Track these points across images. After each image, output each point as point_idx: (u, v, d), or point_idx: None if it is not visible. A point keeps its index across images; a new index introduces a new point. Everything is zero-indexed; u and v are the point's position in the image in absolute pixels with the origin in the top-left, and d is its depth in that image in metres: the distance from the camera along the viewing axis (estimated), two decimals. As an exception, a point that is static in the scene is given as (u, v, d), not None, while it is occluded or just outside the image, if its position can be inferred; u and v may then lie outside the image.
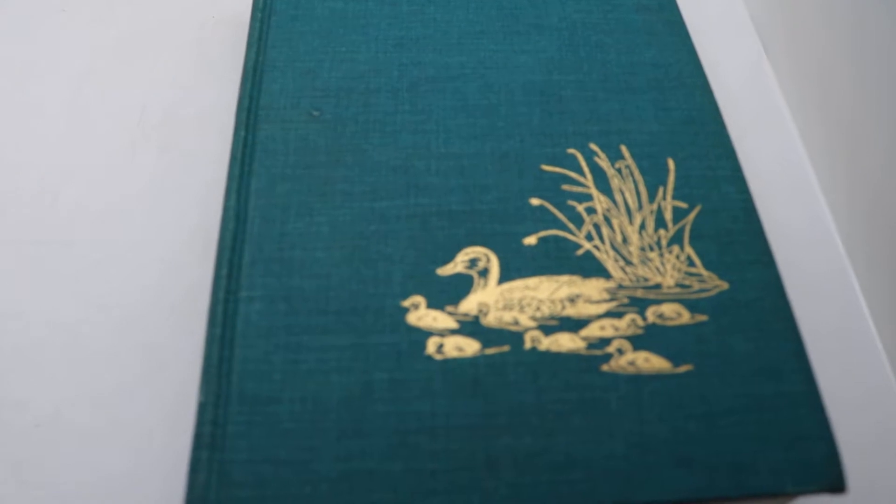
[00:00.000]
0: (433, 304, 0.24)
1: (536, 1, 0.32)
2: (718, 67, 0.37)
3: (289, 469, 0.21)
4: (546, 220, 0.26)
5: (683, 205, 0.26)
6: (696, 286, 0.25)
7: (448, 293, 0.24)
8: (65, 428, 0.27)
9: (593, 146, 0.28)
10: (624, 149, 0.28)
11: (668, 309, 0.24)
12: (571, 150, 0.28)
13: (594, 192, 0.27)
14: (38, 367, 0.28)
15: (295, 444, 0.21)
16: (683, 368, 0.23)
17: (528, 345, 0.23)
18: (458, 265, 0.25)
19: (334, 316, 0.24)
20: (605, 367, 0.23)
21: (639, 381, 0.23)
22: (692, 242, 0.26)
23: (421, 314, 0.24)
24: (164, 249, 0.31)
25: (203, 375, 0.23)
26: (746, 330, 0.24)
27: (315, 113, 0.28)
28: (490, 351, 0.23)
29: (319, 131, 0.28)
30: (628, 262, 0.25)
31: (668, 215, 0.26)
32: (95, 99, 0.36)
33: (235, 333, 0.23)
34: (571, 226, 0.26)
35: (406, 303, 0.24)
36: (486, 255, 0.25)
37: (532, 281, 0.24)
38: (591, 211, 0.26)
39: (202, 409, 0.22)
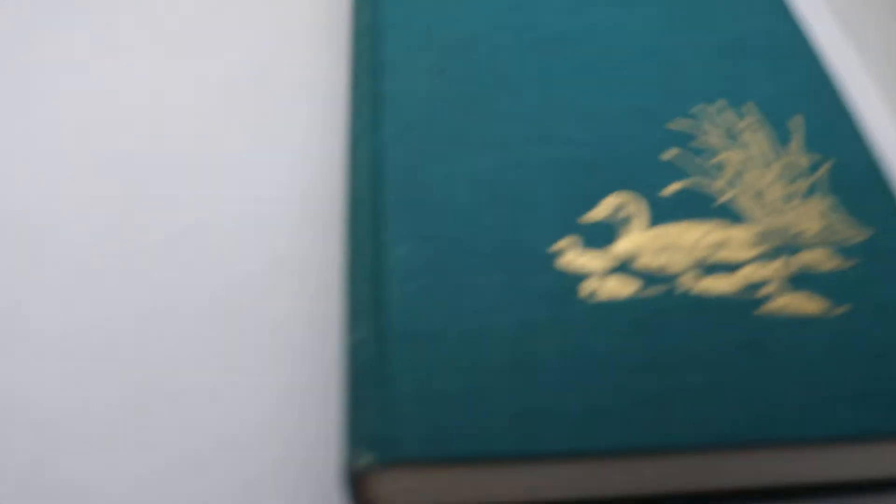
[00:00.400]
0: (582, 248, 0.24)
1: None
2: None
3: (459, 405, 0.20)
4: (682, 172, 0.26)
5: (816, 156, 0.26)
6: (841, 234, 0.25)
7: (596, 239, 0.24)
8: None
9: (718, 104, 0.28)
10: (749, 106, 0.28)
11: (816, 254, 0.24)
12: (696, 108, 0.28)
13: (725, 145, 0.27)
14: (155, 339, 0.27)
15: (463, 381, 0.21)
16: (839, 310, 0.23)
17: (681, 288, 0.23)
18: (604, 211, 0.24)
19: (485, 258, 0.23)
20: (761, 311, 0.23)
21: (795, 323, 0.23)
22: (832, 192, 0.25)
23: (571, 258, 0.23)
24: (268, 215, 0.30)
25: (355, 314, 0.22)
26: (896, 275, 0.24)
27: (438, 69, 0.28)
28: (645, 293, 0.23)
29: (445, 86, 0.28)
30: (770, 212, 0.25)
31: (801, 168, 0.26)
32: (179, 69, 0.36)
33: (387, 273, 0.23)
34: (708, 177, 0.26)
35: (555, 247, 0.24)
36: (632, 201, 0.25)
37: (680, 227, 0.24)
38: (724, 165, 0.26)
39: (362, 346, 0.21)
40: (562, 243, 0.24)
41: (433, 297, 0.22)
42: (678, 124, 0.27)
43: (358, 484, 0.20)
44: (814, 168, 0.26)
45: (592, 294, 0.23)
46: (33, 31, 0.38)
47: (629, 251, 0.24)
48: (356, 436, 0.20)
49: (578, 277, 0.23)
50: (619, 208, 0.25)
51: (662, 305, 0.23)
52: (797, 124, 0.27)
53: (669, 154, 0.26)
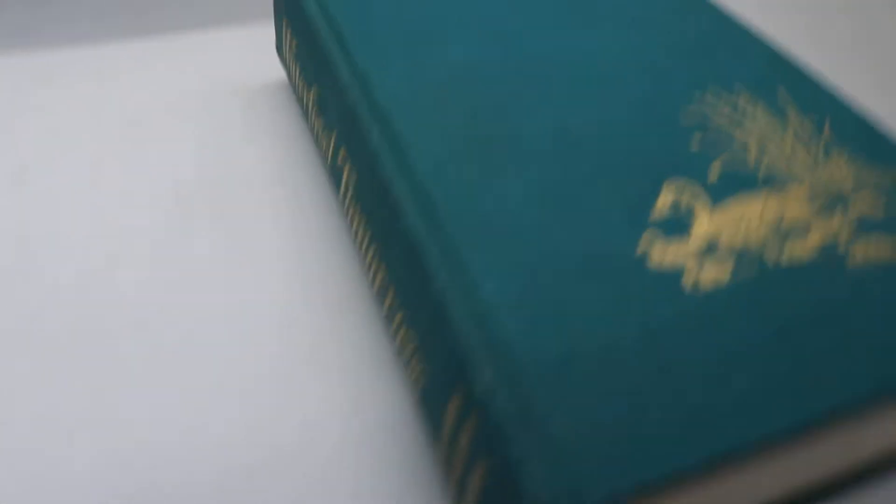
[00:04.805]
0: (664, 242, 0.23)
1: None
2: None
3: (624, 429, 0.18)
4: (713, 155, 0.26)
5: (814, 118, 0.27)
6: (874, 180, 0.25)
7: (669, 232, 0.23)
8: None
9: (711, 89, 0.28)
10: (738, 86, 0.28)
11: (866, 201, 0.25)
12: (695, 96, 0.28)
13: (737, 123, 0.27)
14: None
15: (615, 401, 0.19)
16: (916, 246, 0.23)
17: (771, 259, 0.23)
18: (667, 202, 0.24)
19: (579, 273, 0.22)
20: (849, 264, 0.23)
21: (886, 268, 0.23)
22: (842, 148, 0.26)
23: (660, 255, 0.22)
24: (255, 306, 0.28)
25: (470, 360, 0.20)
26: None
27: (438, 103, 0.27)
28: (741, 274, 0.22)
29: (454, 117, 0.26)
30: (807, 170, 0.25)
31: (809, 131, 0.27)
32: (119, 178, 0.32)
33: (488, 310, 0.21)
34: (741, 152, 0.26)
35: (640, 248, 0.23)
36: (687, 187, 0.24)
37: (738, 201, 0.24)
38: (746, 139, 0.26)
39: (490, 395, 0.19)
40: (644, 243, 0.23)
41: (546, 324, 0.20)
42: (687, 115, 0.27)
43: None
44: (819, 128, 0.27)
45: (696, 285, 0.22)
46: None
47: (710, 233, 0.23)
48: (529, 491, 0.18)
49: (676, 273, 0.22)
50: (679, 196, 0.24)
51: (762, 281, 0.22)
52: (783, 95, 0.28)
53: (696, 141, 0.26)
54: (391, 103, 0.27)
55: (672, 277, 0.22)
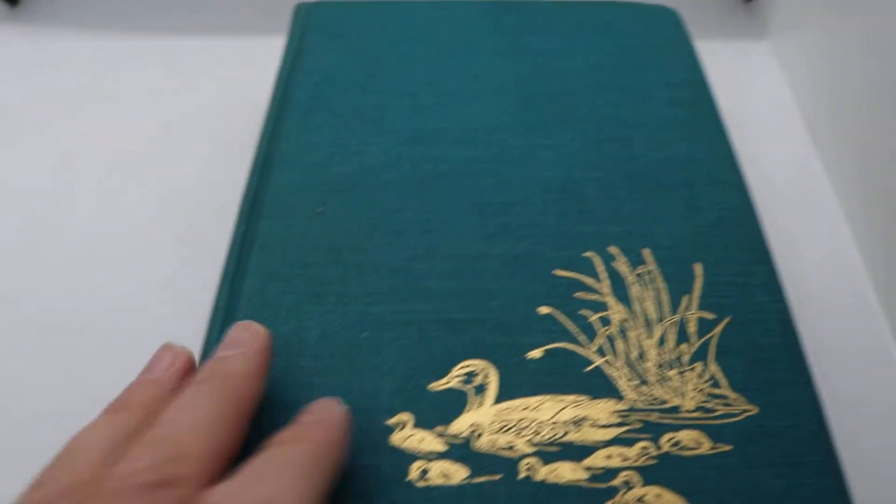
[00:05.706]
0: (421, 423, 0.22)
1: (563, 95, 0.31)
2: (763, 162, 0.35)
3: None
4: (555, 331, 0.24)
5: (710, 315, 0.24)
6: (721, 410, 0.22)
7: (440, 411, 0.22)
8: None
9: (613, 249, 0.25)
10: (647, 253, 0.25)
11: (685, 436, 0.21)
12: (588, 254, 0.25)
13: (610, 300, 0.24)
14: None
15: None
16: (699, 509, 0.20)
17: (522, 474, 0.21)
18: (452, 380, 0.23)
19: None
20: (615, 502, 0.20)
21: (648, 520, 0.20)
22: (718, 359, 0.23)
23: (406, 434, 0.22)
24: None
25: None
26: (778, 463, 0.21)
27: (319, 209, 0.27)
28: (479, 479, 0.21)
29: (321, 228, 0.26)
30: (643, 381, 0.22)
31: (693, 327, 0.24)
32: (121, 185, 0.36)
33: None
34: (583, 338, 0.23)
35: (392, 421, 0.22)
36: (485, 370, 0.23)
37: (533, 400, 0.22)
38: (605, 322, 0.24)
39: None
40: (399, 417, 0.22)
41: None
42: (565, 274, 0.25)
43: None
44: (705, 328, 0.24)
45: (421, 478, 0.21)
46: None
47: (472, 428, 0.22)
48: None
49: (411, 457, 0.21)
50: (468, 377, 0.23)
51: (497, 494, 0.20)
52: (695, 275, 0.25)
53: (547, 309, 0.24)
54: (277, 194, 0.27)
55: (404, 461, 0.21)
